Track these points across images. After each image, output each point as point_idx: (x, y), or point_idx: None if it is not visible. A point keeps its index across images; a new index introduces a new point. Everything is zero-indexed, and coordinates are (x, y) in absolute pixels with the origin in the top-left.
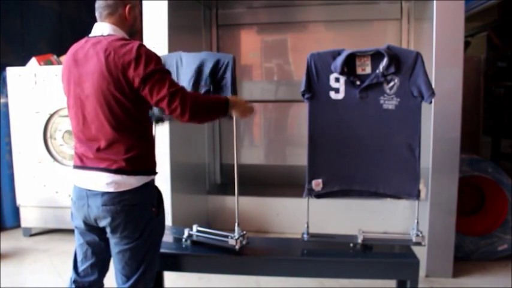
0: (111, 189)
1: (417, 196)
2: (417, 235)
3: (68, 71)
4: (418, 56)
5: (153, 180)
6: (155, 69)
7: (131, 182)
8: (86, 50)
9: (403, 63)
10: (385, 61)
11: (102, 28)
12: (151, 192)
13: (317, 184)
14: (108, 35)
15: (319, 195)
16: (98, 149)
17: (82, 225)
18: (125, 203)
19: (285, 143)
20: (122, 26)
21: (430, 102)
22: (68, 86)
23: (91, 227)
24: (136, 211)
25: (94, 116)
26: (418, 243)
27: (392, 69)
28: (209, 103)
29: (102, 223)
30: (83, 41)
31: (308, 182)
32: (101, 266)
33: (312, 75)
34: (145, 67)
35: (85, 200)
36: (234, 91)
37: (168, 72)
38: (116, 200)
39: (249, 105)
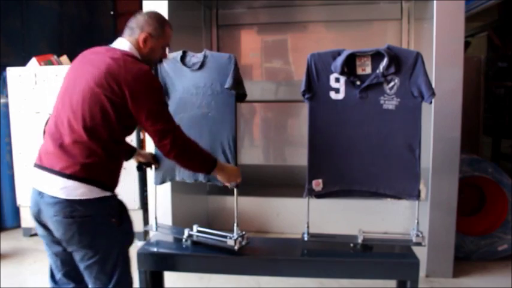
0: (62, 196)
1: (417, 196)
2: (417, 235)
3: (76, 62)
4: (418, 56)
5: (111, 196)
6: (156, 100)
7: (83, 191)
8: (99, 52)
9: (403, 63)
10: (385, 61)
11: (121, 42)
12: (108, 204)
13: (317, 184)
14: (123, 50)
15: (319, 195)
16: (61, 145)
17: (45, 234)
18: (75, 214)
19: (285, 143)
20: (138, 49)
21: (430, 103)
22: (68, 75)
23: (54, 236)
24: (91, 223)
25: (74, 107)
26: (419, 244)
27: (392, 70)
28: (197, 153)
29: (56, 234)
30: (101, 47)
31: (308, 182)
32: (75, 273)
33: (312, 76)
34: (147, 96)
35: (38, 207)
36: (242, 88)
37: (166, 105)
38: (67, 211)
39: (236, 172)
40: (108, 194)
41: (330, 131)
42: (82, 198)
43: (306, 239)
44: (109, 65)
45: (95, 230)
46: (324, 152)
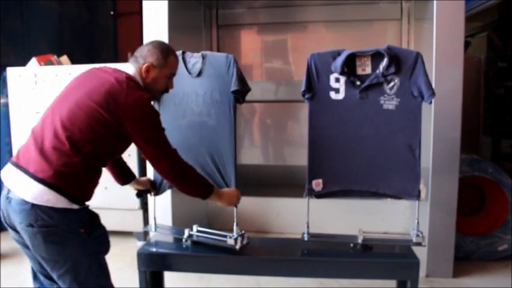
0: (28, 199)
1: (417, 196)
2: (417, 235)
3: (81, 74)
4: (418, 56)
5: (79, 209)
6: (152, 127)
7: (49, 198)
8: (107, 71)
9: (403, 63)
10: (385, 61)
11: (128, 67)
12: (75, 216)
13: (317, 184)
14: (128, 74)
15: (319, 195)
16: (41, 148)
17: (17, 237)
18: (40, 223)
19: (285, 143)
20: (141, 78)
21: (430, 103)
22: (70, 83)
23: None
24: (56, 233)
25: (65, 115)
26: (419, 244)
27: (392, 70)
28: (194, 178)
29: (25, 241)
30: (109, 67)
31: (308, 182)
32: None
33: (312, 76)
34: (144, 122)
35: (7, 212)
36: (246, 86)
37: (163, 130)
38: (32, 219)
39: (235, 196)
40: (75, 206)
41: (330, 131)
42: (47, 205)
43: (306, 239)
44: (112, 85)
45: (61, 240)
46: (324, 152)
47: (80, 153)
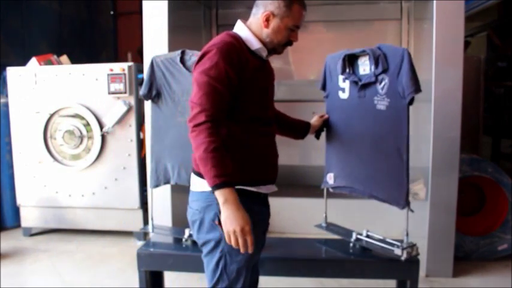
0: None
1: (404, 206)
2: (403, 248)
3: None
4: (404, 52)
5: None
6: (206, 72)
7: (194, 182)
8: None
9: (391, 61)
10: (373, 60)
11: (236, 26)
12: (213, 200)
13: (330, 178)
14: (230, 32)
15: (333, 188)
16: None
17: None
18: (192, 205)
19: (285, 142)
20: (257, 32)
21: (410, 102)
22: None
23: None
24: (197, 218)
25: None
26: (408, 259)
27: (380, 69)
28: (212, 154)
29: None
30: None
31: (325, 174)
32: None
33: (327, 76)
34: (198, 64)
35: None
36: None
37: (218, 85)
38: (190, 200)
39: (242, 225)
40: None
41: (337, 129)
42: (193, 190)
43: (324, 226)
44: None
45: (201, 225)
46: (334, 148)
47: None
